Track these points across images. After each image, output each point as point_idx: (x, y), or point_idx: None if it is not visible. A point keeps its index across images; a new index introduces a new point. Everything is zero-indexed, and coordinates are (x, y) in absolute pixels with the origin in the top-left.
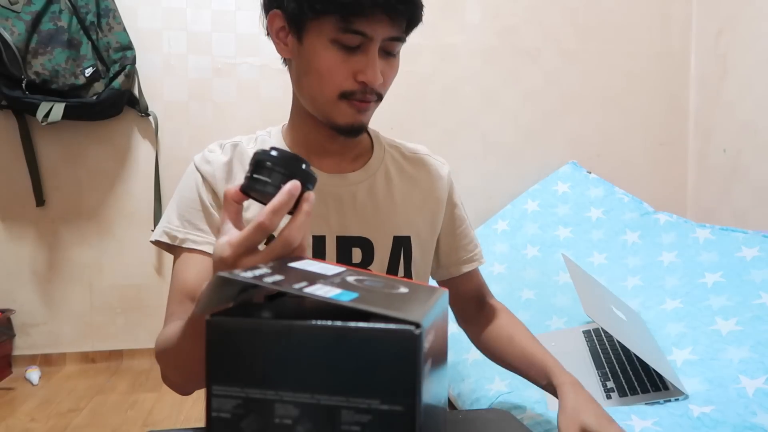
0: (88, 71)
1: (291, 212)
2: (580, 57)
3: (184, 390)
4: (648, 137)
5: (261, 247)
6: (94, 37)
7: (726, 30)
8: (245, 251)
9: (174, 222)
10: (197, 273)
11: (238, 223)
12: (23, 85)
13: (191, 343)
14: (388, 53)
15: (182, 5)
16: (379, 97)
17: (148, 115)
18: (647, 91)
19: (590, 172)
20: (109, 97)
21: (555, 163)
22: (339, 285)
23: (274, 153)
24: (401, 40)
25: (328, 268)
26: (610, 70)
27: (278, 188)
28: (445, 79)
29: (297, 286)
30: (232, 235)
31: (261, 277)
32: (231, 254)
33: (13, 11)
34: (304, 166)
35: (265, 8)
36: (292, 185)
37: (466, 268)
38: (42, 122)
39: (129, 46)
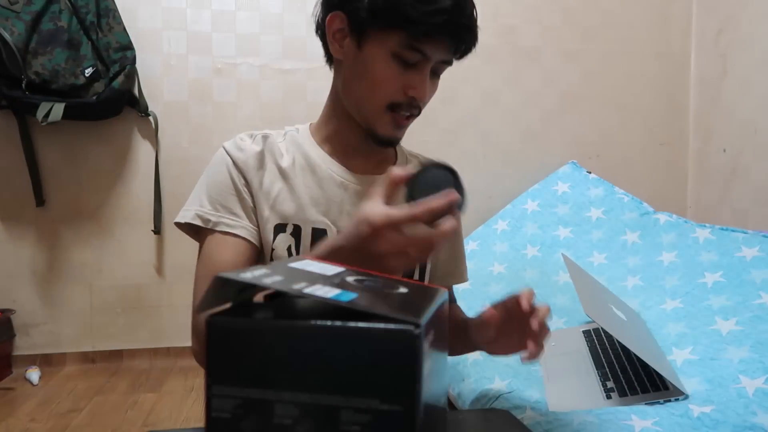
0: (88, 71)
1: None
2: (580, 57)
3: None
4: (648, 137)
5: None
6: (94, 37)
7: (726, 30)
8: (393, 226)
9: (206, 205)
10: (235, 255)
11: (389, 202)
12: (23, 85)
13: None
14: (435, 74)
15: (182, 5)
16: (419, 113)
17: (148, 115)
18: (647, 91)
19: (590, 172)
20: (109, 97)
21: (555, 163)
22: (338, 285)
23: (455, 172)
24: (450, 64)
25: (327, 268)
26: (610, 70)
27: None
28: (445, 80)
29: (297, 286)
30: (390, 209)
31: (261, 277)
32: (382, 222)
33: (13, 11)
34: (463, 195)
35: (324, 6)
36: (455, 196)
37: (453, 282)
38: (42, 122)
39: (129, 46)
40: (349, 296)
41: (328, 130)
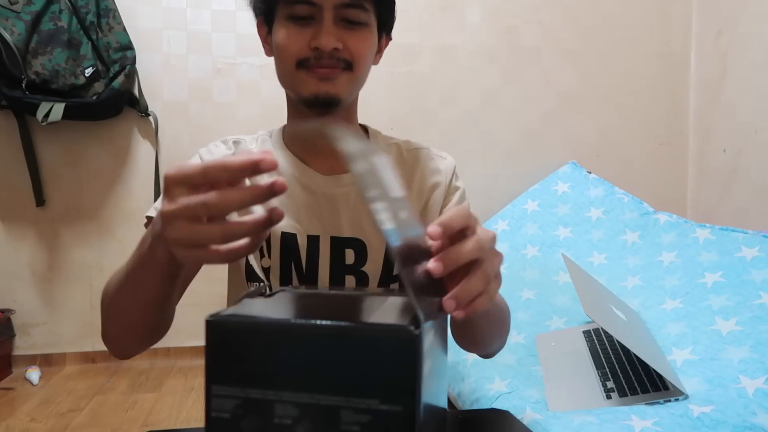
0: (88, 71)
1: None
2: (580, 57)
3: (121, 350)
4: (648, 137)
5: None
6: (94, 37)
7: (726, 30)
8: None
9: (159, 207)
10: None
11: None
12: (23, 85)
13: (137, 277)
14: (352, 22)
15: (182, 5)
16: (347, 66)
17: (148, 115)
18: (647, 91)
19: (590, 172)
20: (109, 97)
21: (555, 163)
22: (393, 219)
23: None
24: (359, 6)
25: (394, 186)
26: (610, 70)
27: None
28: (445, 79)
29: (372, 194)
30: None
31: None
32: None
33: (13, 11)
34: None
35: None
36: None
37: None
38: (42, 122)
39: (129, 46)
40: (395, 239)
41: (289, 129)
